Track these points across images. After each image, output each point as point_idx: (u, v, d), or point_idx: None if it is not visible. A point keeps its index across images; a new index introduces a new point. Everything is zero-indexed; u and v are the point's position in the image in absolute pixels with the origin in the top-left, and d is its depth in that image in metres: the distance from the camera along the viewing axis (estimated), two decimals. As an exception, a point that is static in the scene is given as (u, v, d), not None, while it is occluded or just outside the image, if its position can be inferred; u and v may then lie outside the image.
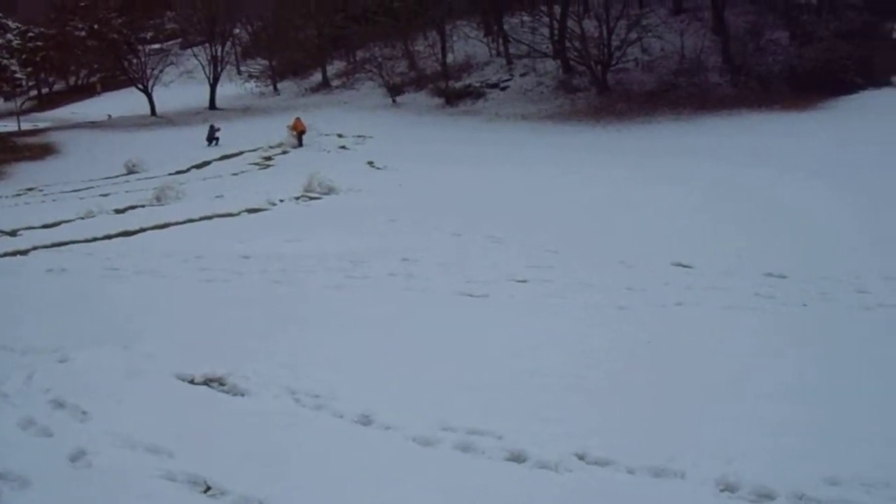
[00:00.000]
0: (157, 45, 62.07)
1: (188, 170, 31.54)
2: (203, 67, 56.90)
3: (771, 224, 16.79)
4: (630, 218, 17.54)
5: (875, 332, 9.39)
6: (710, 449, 5.71)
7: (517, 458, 5.72)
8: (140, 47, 56.77)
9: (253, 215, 19.53)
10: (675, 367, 7.80)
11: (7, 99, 62.73)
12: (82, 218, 19.16)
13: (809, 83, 39.56)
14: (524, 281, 11.72)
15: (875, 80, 39.97)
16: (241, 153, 35.47)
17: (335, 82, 57.60)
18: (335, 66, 59.89)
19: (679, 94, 41.67)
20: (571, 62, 45.26)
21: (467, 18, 51.90)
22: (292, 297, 10.98)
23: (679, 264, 12.84)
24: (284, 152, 35.92)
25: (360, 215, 18.60)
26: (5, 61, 56.21)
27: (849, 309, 10.39)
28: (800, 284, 11.51)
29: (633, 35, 43.40)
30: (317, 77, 58.85)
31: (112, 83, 66.68)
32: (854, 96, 38.62)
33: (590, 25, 43.98)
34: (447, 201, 20.66)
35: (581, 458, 5.67)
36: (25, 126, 51.88)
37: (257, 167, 32.20)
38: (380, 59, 52.57)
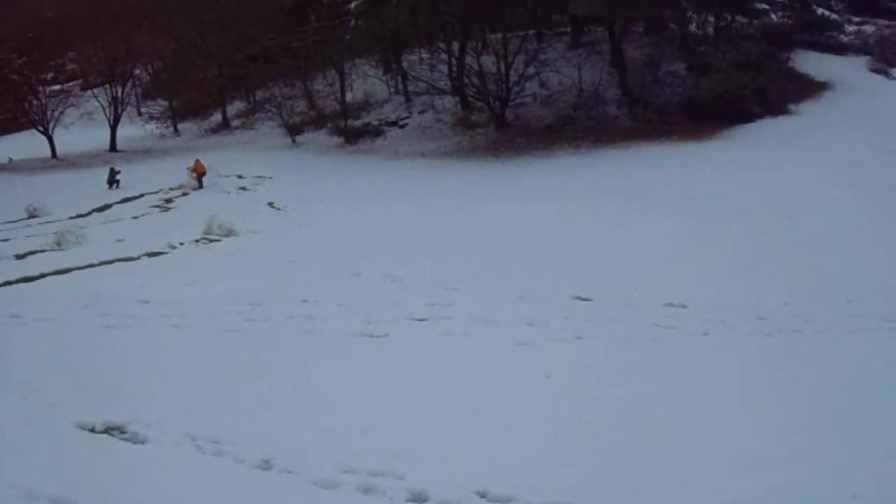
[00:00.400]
0: (57, 87, 60.30)
1: (89, 213, 30.54)
2: (104, 109, 55.30)
3: (670, 254, 16.97)
4: (529, 252, 17.46)
5: (775, 357, 9.68)
6: (612, 482, 5.94)
7: (419, 497, 5.91)
8: (40, 88, 55.09)
9: (153, 259, 19.26)
10: (574, 402, 7.98)
11: None
12: (-20, 265, 18.36)
13: (707, 113, 39.91)
14: (424, 319, 11.86)
15: (772, 108, 40.62)
16: (141, 196, 34.50)
17: (235, 123, 56.54)
18: (235, 107, 58.86)
19: (577, 127, 41.64)
20: (470, 98, 44.94)
21: (366, 56, 51.30)
22: (192, 341, 11.09)
23: (579, 298, 12.94)
24: (185, 194, 34.94)
25: (259, 257, 18.55)
26: None
27: (749, 336, 10.69)
28: (700, 313, 11.71)
29: (531, 70, 43.17)
30: (217, 118, 57.78)
31: (12, 125, 64.66)
32: (752, 125, 39.35)
33: (488, 61, 43.66)
34: (346, 241, 20.49)
35: (482, 495, 5.86)
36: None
37: (158, 210, 31.43)
38: (279, 99, 51.91)
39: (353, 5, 45.05)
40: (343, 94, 49.29)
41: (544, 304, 12.51)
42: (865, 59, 50.45)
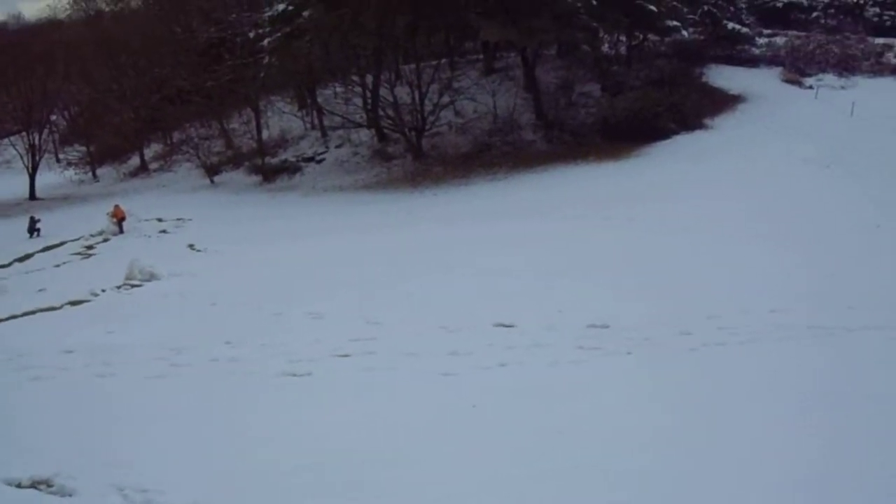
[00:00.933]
0: (-29, 136, 59.48)
1: (10, 264, 30.09)
2: (21, 157, 54.44)
3: (591, 275, 17.13)
4: (449, 281, 17.61)
5: (701, 372, 9.93)
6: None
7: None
8: (-44, 137, 53.96)
9: (76, 307, 19.06)
10: (500, 430, 8.11)
11: None
12: None
13: (623, 133, 40.14)
14: (347, 355, 11.91)
15: (688, 123, 41.08)
16: (63, 243, 33.90)
17: (153, 165, 55.93)
18: (153, 149, 58.29)
19: (494, 153, 41.64)
20: (386, 130, 44.76)
21: (281, 93, 51.01)
22: (117, 390, 10.96)
23: (501, 324, 13.05)
24: (106, 240, 34.45)
25: (181, 300, 18.48)
26: None
27: (673, 352, 10.91)
28: (623, 332, 11.93)
29: (446, 98, 43.24)
30: (135, 161, 57.13)
31: (-71, 175, 63.53)
32: (668, 141, 39.76)
33: (402, 92, 43.60)
34: (268, 280, 20.39)
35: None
36: None
37: (80, 257, 31.06)
38: (196, 140, 51.35)
39: (265, 42, 44.60)
40: (259, 131, 48.87)
41: (467, 333, 12.65)
42: (778, 70, 51.43)
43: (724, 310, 13.04)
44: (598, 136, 41.25)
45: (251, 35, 47.17)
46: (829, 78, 50.53)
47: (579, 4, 39.25)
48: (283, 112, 50.58)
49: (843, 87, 49.38)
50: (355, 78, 45.30)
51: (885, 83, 51.60)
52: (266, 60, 45.31)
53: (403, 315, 14.36)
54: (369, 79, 44.73)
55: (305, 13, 41.40)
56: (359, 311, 14.93)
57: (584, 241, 21.75)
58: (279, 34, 43.12)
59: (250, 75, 47.35)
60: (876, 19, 68.69)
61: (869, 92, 48.24)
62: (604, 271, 17.47)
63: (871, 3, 70.79)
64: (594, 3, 39.77)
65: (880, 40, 58.53)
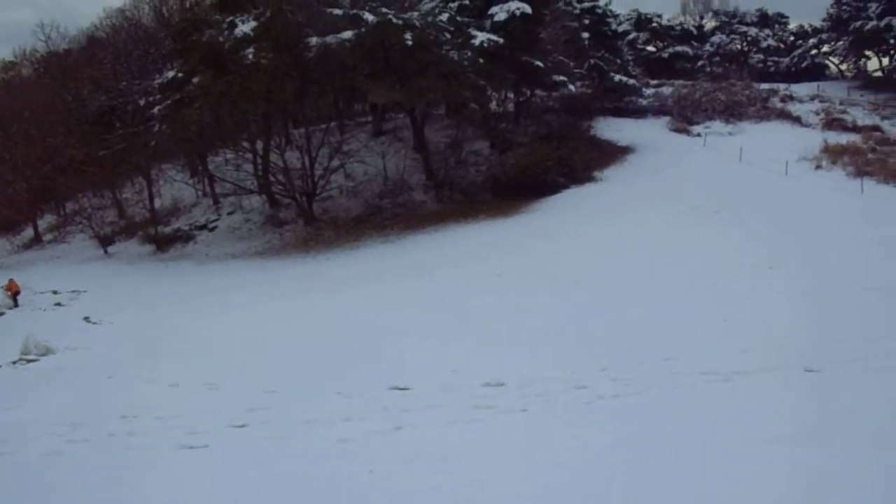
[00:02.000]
0: None
1: None
2: (-89, 232, 53.10)
3: (484, 332, 17.42)
4: (342, 345, 17.73)
5: (596, 425, 10.01)
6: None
7: None
8: None
9: None
10: (398, 494, 8.17)
11: None
12: None
13: (513, 189, 40.60)
14: (244, 426, 11.88)
15: (577, 177, 41.66)
16: None
17: (47, 237, 54.92)
18: (46, 220, 57.38)
19: (385, 215, 41.85)
20: (277, 196, 44.67)
21: (172, 161, 50.69)
22: (12, 469, 10.66)
23: (396, 387, 13.17)
24: (0, 314, 33.69)
25: (78, 374, 18.33)
26: None
27: (568, 407, 11.00)
28: (519, 390, 12.05)
29: (336, 162, 43.35)
30: (28, 232, 56.02)
31: None
32: (558, 196, 40.28)
33: (292, 157, 43.65)
34: (162, 350, 20.33)
35: None
36: None
37: None
38: (89, 210, 50.73)
39: (156, 110, 44.37)
40: (151, 200, 48.36)
41: (362, 398, 12.73)
42: (666, 119, 52.54)
43: (617, 361, 13.29)
44: (489, 193, 41.73)
45: (142, 103, 47.06)
46: (717, 125, 51.76)
47: (466, 63, 39.84)
48: (175, 180, 50.25)
49: (730, 133, 50.65)
50: (245, 144, 45.21)
51: (770, 127, 53.10)
52: (157, 128, 45.09)
53: (298, 382, 14.49)
54: (259, 144, 44.66)
55: (195, 80, 41.35)
56: (254, 380, 15.01)
57: (475, 298, 22.08)
58: (169, 101, 42.98)
59: (141, 143, 47.02)
60: (760, 66, 71.31)
61: (756, 136, 49.63)
62: (496, 328, 17.76)
63: (754, 50, 73.44)
64: (480, 60, 40.40)
65: (765, 86, 60.32)
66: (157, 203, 49.42)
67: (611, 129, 49.14)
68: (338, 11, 39.60)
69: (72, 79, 55.50)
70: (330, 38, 38.75)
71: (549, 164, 41.22)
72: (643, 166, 43.66)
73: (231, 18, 41.17)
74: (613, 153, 45.85)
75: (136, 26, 57.19)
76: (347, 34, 38.34)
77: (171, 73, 43.42)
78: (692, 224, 32.42)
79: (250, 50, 39.83)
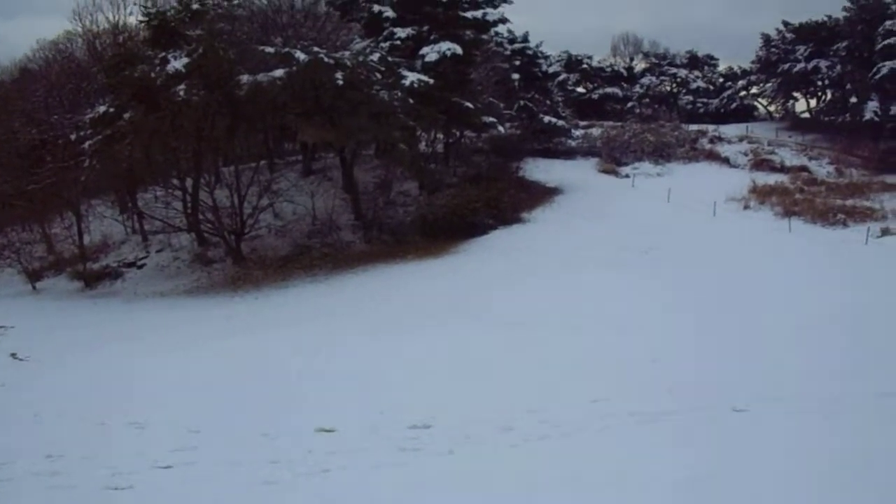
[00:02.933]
0: None
1: None
2: None
3: (411, 373, 17.49)
4: (268, 385, 17.55)
5: (523, 468, 9.99)
6: None
7: None
8: None
9: None
10: None
11: None
12: None
13: (442, 230, 41.11)
14: (169, 467, 11.74)
15: (505, 218, 42.24)
16: None
17: (-26, 272, 54.01)
18: (-27, 256, 56.30)
19: (314, 255, 42.03)
20: (206, 234, 44.67)
21: (102, 197, 50.48)
22: None
23: (322, 430, 13.00)
24: None
25: (2, 412, 17.89)
26: None
27: (495, 449, 11.05)
28: (446, 431, 12.05)
29: (265, 201, 43.50)
30: (-46, 267, 55.05)
31: None
32: (486, 237, 40.81)
33: (222, 195, 43.72)
34: (90, 389, 20.01)
35: None
36: None
37: None
38: (17, 245, 49.92)
39: (87, 145, 44.21)
40: (81, 236, 47.97)
41: (288, 439, 12.58)
42: (595, 160, 53.47)
43: (545, 402, 13.34)
44: (418, 234, 42.17)
45: (73, 137, 46.56)
46: (646, 166, 52.85)
47: (396, 103, 40.27)
48: (105, 216, 50.01)
49: (659, 174, 51.78)
50: (175, 181, 45.24)
51: (699, 168, 54.38)
52: (87, 163, 44.94)
53: (224, 422, 14.37)
54: (189, 182, 44.71)
55: (126, 115, 41.22)
56: (180, 420, 14.86)
57: (404, 338, 22.19)
58: (100, 136, 42.68)
59: (72, 178, 46.78)
60: (689, 107, 72.91)
61: (684, 177, 50.72)
62: (425, 369, 17.85)
63: (684, 91, 75.00)
64: (411, 101, 40.93)
65: (694, 127, 61.61)
66: (87, 239, 49.04)
67: (540, 170, 49.90)
68: (269, 49, 39.84)
69: (2, 111, 54.89)
70: (261, 76, 38.80)
71: (477, 206, 41.80)
72: (571, 207, 44.53)
73: (163, 54, 41.01)
74: (542, 194, 46.69)
75: (68, 59, 56.89)
76: (279, 72, 38.52)
77: (102, 108, 43.08)
78: (620, 265, 33.16)
79: (182, 86, 39.63)
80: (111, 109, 42.49)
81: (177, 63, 40.66)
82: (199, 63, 40.65)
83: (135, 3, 47.02)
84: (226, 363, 21.83)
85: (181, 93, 39.64)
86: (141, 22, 45.29)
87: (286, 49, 39.72)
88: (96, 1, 57.54)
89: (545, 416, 12.49)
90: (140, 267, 45.56)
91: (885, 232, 38.22)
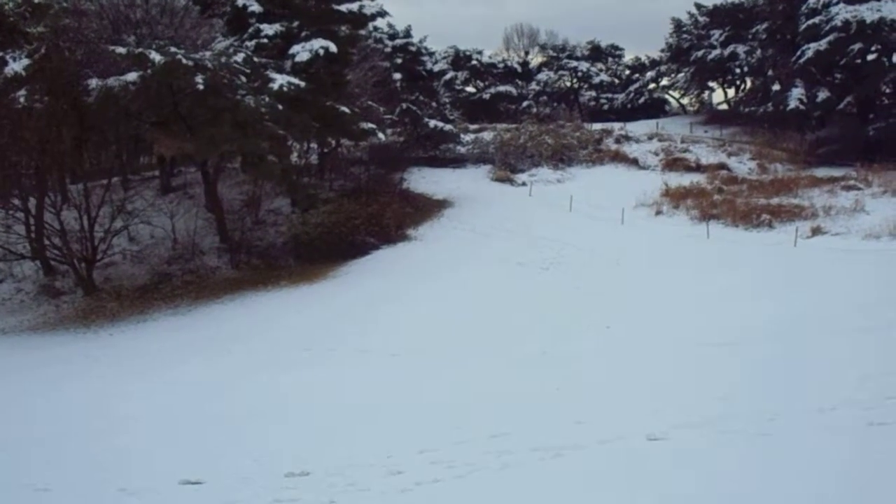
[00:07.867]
0: None
1: None
2: None
3: (285, 415, 17.20)
4: (128, 433, 17.08)
5: None
6: None
7: None
8: None
9: None
10: None
11: None
12: None
13: (318, 251, 41.21)
14: None
15: (389, 236, 42.53)
16: None
17: None
18: None
19: (175, 283, 41.48)
20: (53, 262, 43.63)
21: (-68, 220, 49.14)
22: None
23: (187, 482, 12.59)
24: None
25: None
26: None
27: (383, 496, 10.78)
28: (325, 479, 11.77)
29: (119, 223, 42.70)
30: None
31: None
32: (368, 258, 40.97)
33: (70, 217, 42.72)
34: None
35: None
36: None
37: None
38: None
39: (-86, 161, 43.21)
40: None
41: (148, 494, 12.31)
42: (487, 167, 53.84)
43: (437, 442, 13.14)
44: (291, 257, 42.10)
45: None
46: (544, 171, 53.42)
47: (263, 110, 39.74)
48: (-63, 242, 48.64)
49: (559, 181, 52.42)
50: (16, 201, 44.43)
51: (604, 171, 55.09)
52: (-85, 182, 43.90)
53: (76, 477, 13.97)
54: (32, 202, 43.95)
55: (-42, 127, 40.43)
56: (25, 477, 14.22)
57: (279, 376, 22.11)
58: (-71, 151, 41.86)
59: None
60: (593, 103, 73.60)
61: (588, 183, 51.43)
62: (302, 410, 17.74)
63: (586, 87, 75.81)
64: (280, 107, 40.44)
65: (598, 126, 61.94)
66: None
67: (426, 180, 50.13)
68: (121, 50, 38.90)
69: None
70: (112, 81, 38.13)
71: (357, 223, 41.99)
72: (462, 222, 44.91)
73: (0, 55, 40.45)
74: (430, 208, 47.01)
75: None
76: (132, 76, 37.90)
77: (-69, 119, 42.31)
78: (518, 284, 33.65)
79: (22, 92, 38.70)
80: (-59, 119, 41.57)
81: (16, 65, 39.56)
82: (41, 65, 39.69)
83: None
84: (80, 409, 21.30)
85: (21, 99, 38.72)
86: (-28, 17, 44.32)
87: (140, 49, 38.66)
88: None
89: (437, 457, 12.35)
90: (-24, 301, 44.55)
91: (816, 231, 38.44)
